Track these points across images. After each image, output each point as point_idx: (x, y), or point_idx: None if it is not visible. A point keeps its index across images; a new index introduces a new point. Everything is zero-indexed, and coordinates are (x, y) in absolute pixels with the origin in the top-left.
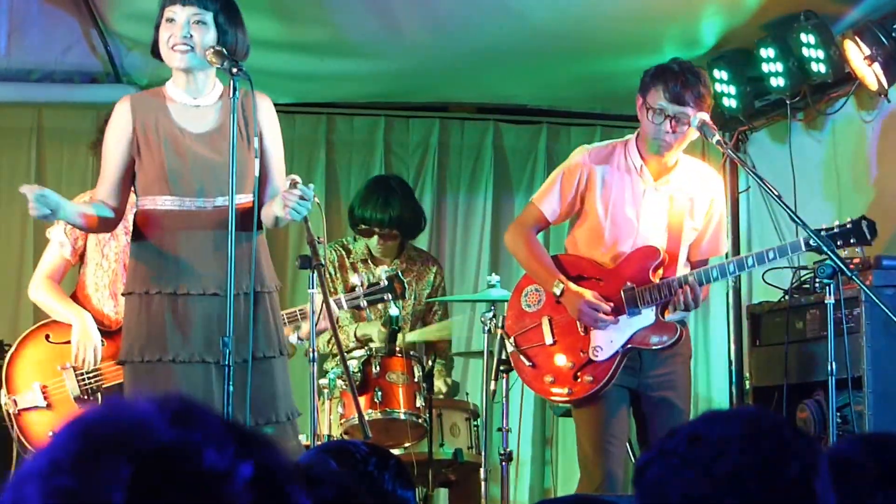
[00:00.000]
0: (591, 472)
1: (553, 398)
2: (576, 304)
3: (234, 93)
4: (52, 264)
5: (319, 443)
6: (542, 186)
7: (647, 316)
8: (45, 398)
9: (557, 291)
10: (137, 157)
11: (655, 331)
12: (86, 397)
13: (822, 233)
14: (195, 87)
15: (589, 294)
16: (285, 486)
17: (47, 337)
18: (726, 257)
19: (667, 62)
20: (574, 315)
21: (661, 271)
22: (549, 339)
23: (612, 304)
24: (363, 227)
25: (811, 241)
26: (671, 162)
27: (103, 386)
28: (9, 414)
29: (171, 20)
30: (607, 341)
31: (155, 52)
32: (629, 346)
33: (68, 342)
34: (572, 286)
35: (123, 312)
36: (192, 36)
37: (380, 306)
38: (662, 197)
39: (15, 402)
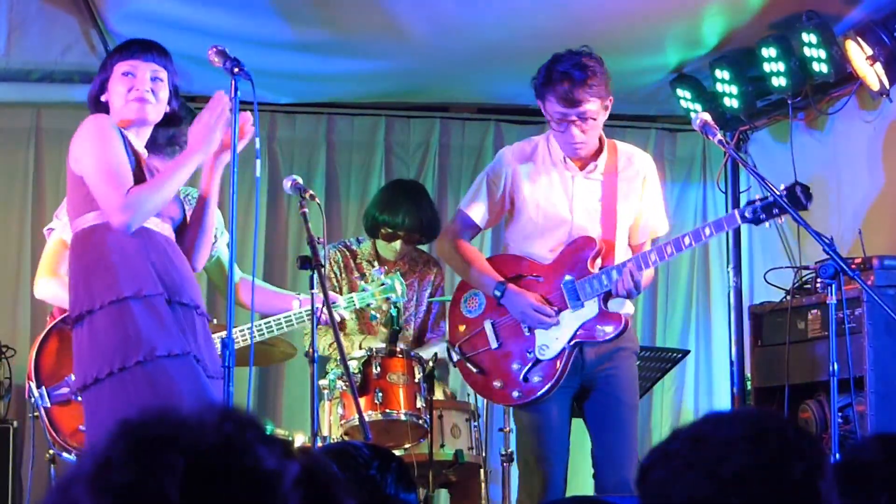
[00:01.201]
0: (530, 478)
1: (504, 403)
2: (519, 307)
3: (234, 93)
4: (56, 256)
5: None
6: (469, 192)
7: (591, 308)
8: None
9: (498, 293)
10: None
11: (600, 321)
12: None
13: (757, 203)
14: (141, 140)
15: (532, 296)
16: (330, 486)
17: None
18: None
19: (553, 62)
20: (517, 317)
21: (599, 260)
22: (493, 344)
23: (554, 303)
24: (388, 231)
25: (746, 214)
26: (593, 149)
27: None
28: (39, 407)
29: (128, 74)
30: (552, 339)
31: (95, 103)
32: (575, 341)
33: None
34: (514, 288)
35: (108, 318)
36: (152, 91)
37: (384, 307)
38: (592, 184)
39: (48, 394)
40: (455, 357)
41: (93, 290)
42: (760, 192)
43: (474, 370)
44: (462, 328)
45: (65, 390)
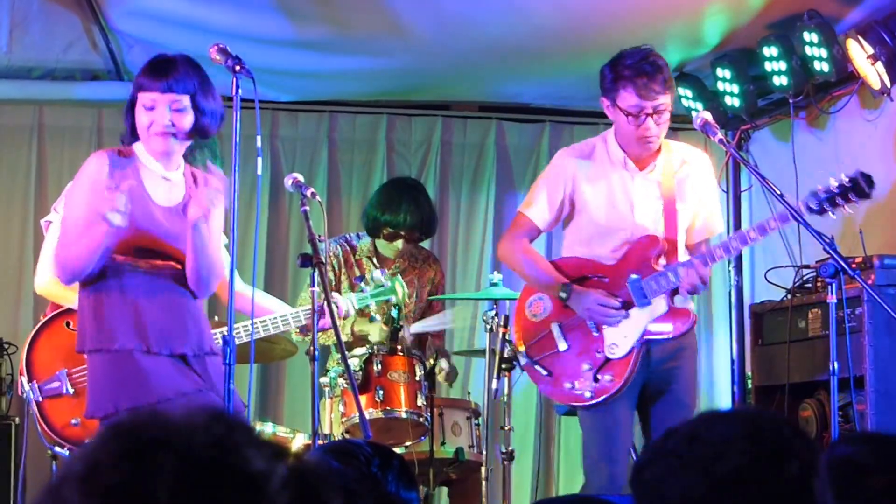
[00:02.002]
0: (596, 476)
1: (576, 403)
2: (584, 304)
3: (235, 91)
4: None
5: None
6: (529, 195)
7: (659, 305)
8: (73, 384)
9: (564, 295)
10: None
11: (669, 318)
12: None
13: (822, 194)
14: (167, 162)
15: (596, 292)
16: (317, 487)
17: (67, 324)
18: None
19: (620, 58)
20: (584, 315)
21: (662, 259)
22: (562, 346)
23: (620, 300)
24: (389, 231)
25: (812, 205)
26: (657, 147)
27: None
28: (31, 401)
29: (150, 108)
30: (622, 337)
31: (132, 132)
32: (645, 338)
33: None
34: (579, 287)
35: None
36: (173, 123)
37: (384, 308)
38: (651, 184)
39: (39, 389)
40: (522, 361)
41: (84, 333)
42: (762, 191)
43: (543, 373)
44: (528, 333)
45: (56, 384)
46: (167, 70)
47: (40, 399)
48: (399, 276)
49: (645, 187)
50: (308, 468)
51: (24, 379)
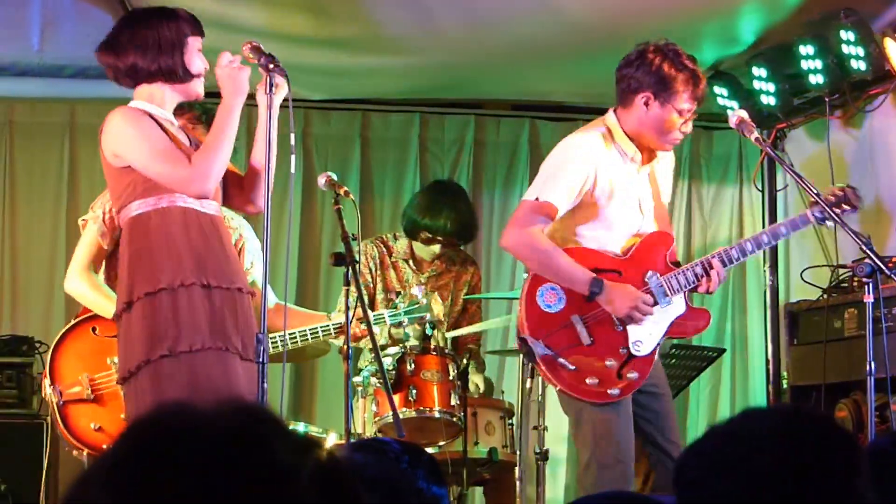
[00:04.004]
0: (610, 474)
1: (597, 400)
2: (619, 301)
3: (269, 89)
4: (90, 254)
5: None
6: (546, 182)
7: (679, 304)
8: (94, 390)
9: (597, 290)
10: None
11: (690, 318)
12: None
13: (819, 211)
14: (171, 110)
15: (632, 290)
16: (345, 482)
17: (93, 330)
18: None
19: (678, 56)
20: (619, 312)
21: (668, 255)
22: (586, 340)
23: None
24: (428, 235)
25: (818, 214)
26: None
27: None
28: (53, 405)
29: (201, 52)
30: (646, 334)
31: (171, 74)
32: (668, 336)
33: (116, 336)
34: (609, 283)
35: (143, 310)
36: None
37: (419, 322)
38: (649, 179)
39: (60, 393)
40: (541, 352)
41: (133, 281)
42: (798, 190)
43: (569, 367)
44: (544, 323)
45: (77, 389)
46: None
47: (61, 403)
48: (437, 294)
49: (645, 182)
50: (338, 462)
51: (47, 382)
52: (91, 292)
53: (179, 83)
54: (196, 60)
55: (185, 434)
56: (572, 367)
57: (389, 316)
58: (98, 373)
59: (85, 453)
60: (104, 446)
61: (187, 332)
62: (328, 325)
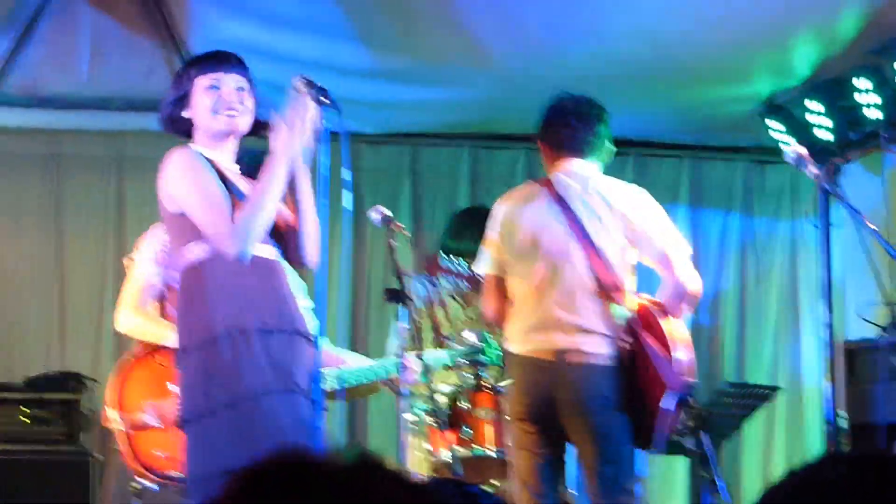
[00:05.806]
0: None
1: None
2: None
3: (322, 122)
4: (139, 291)
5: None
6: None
7: None
8: (159, 419)
9: None
10: None
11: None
12: None
13: None
14: (229, 155)
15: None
16: None
17: (156, 359)
18: None
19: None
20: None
21: None
22: None
23: None
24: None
25: None
26: None
27: None
28: (119, 433)
29: (213, 87)
30: None
31: (173, 122)
32: None
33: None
34: None
35: (199, 356)
36: (241, 101)
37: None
38: None
39: (128, 421)
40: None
41: (190, 327)
42: (854, 226)
43: None
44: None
45: (141, 415)
46: (226, 55)
47: (129, 431)
48: (489, 336)
49: None
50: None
51: (114, 411)
52: (149, 324)
53: (197, 130)
54: (203, 100)
55: (296, 482)
56: None
57: (449, 355)
58: (160, 399)
59: (149, 480)
60: (171, 473)
61: (250, 378)
62: (379, 366)
